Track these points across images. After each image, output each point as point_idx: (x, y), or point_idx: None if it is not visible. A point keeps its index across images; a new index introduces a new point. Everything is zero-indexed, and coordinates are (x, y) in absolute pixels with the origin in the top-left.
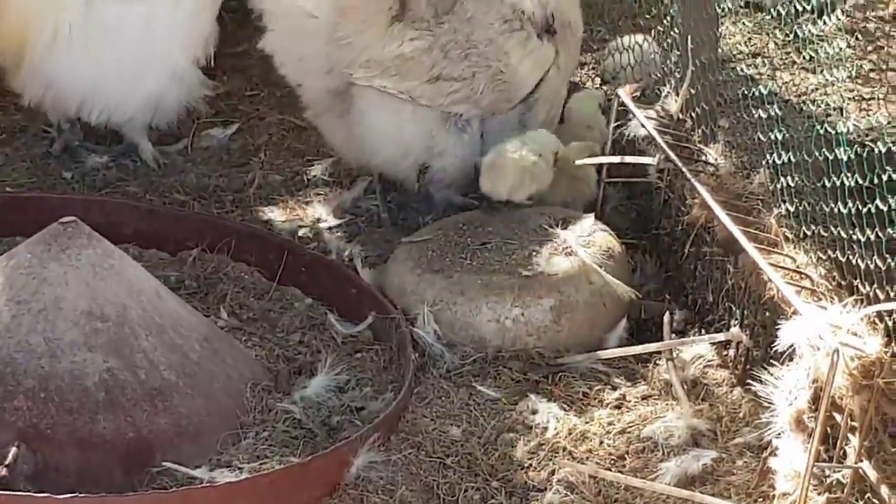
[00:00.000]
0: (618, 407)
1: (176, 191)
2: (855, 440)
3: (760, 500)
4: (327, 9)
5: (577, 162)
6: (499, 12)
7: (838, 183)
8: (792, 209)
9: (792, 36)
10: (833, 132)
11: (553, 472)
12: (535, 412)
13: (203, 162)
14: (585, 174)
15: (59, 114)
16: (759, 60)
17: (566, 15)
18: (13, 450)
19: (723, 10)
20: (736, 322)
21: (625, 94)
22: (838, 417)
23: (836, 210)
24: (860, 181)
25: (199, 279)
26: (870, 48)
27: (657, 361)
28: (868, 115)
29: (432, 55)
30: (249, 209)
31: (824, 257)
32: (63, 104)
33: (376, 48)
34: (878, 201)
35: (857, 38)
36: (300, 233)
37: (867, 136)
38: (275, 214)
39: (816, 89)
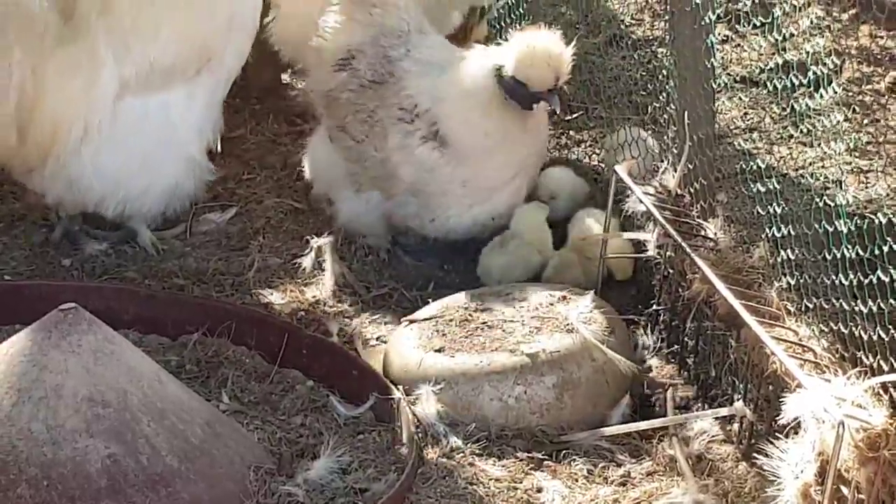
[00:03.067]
0: (623, 484)
1: (175, 275)
2: None
3: None
4: None
5: (579, 237)
6: (400, 100)
7: (839, 255)
8: (793, 282)
9: (788, 110)
10: (832, 204)
11: None
12: (539, 490)
13: (202, 246)
14: (594, 254)
15: (77, 209)
16: (755, 135)
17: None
18: None
19: (718, 85)
20: (739, 396)
21: (622, 170)
22: (845, 490)
23: (837, 282)
24: (861, 253)
25: (200, 363)
26: (866, 121)
27: (661, 437)
28: (867, 188)
29: (350, 106)
30: (249, 292)
31: (827, 330)
32: (84, 201)
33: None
34: (879, 272)
35: (853, 111)
36: (300, 315)
37: (867, 207)
38: (274, 297)
39: (814, 163)
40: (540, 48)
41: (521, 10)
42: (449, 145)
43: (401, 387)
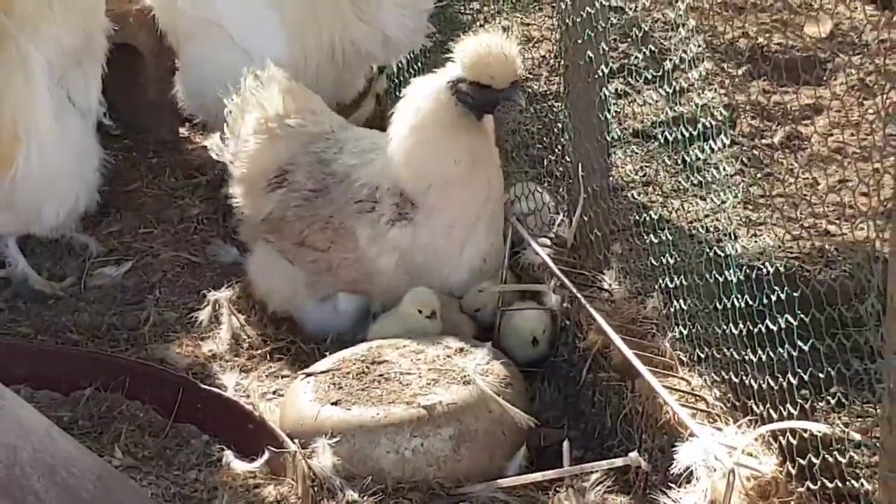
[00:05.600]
0: None
1: (69, 330)
2: None
3: None
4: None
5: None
6: (354, 194)
7: (729, 305)
8: (685, 332)
9: (681, 162)
10: (723, 255)
11: None
12: None
13: (97, 301)
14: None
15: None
16: (650, 188)
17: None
18: None
19: (613, 138)
20: (634, 446)
21: (518, 222)
22: None
23: (728, 332)
24: (750, 302)
25: (93, 418)
26: (759, 174)
27: (557, 489)
28: (757, 239)
29: (302, 221)
30: (145, 347)
31: (718, 379)
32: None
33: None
34: (767, 321)
35: (746, 165)
36: (196, 369)
37: (758, 259)
38: (170, 351)
39: (707, 215)
40: (494, 46)
41: (419, 63)
42: (420, 202)
43: (297, 440)
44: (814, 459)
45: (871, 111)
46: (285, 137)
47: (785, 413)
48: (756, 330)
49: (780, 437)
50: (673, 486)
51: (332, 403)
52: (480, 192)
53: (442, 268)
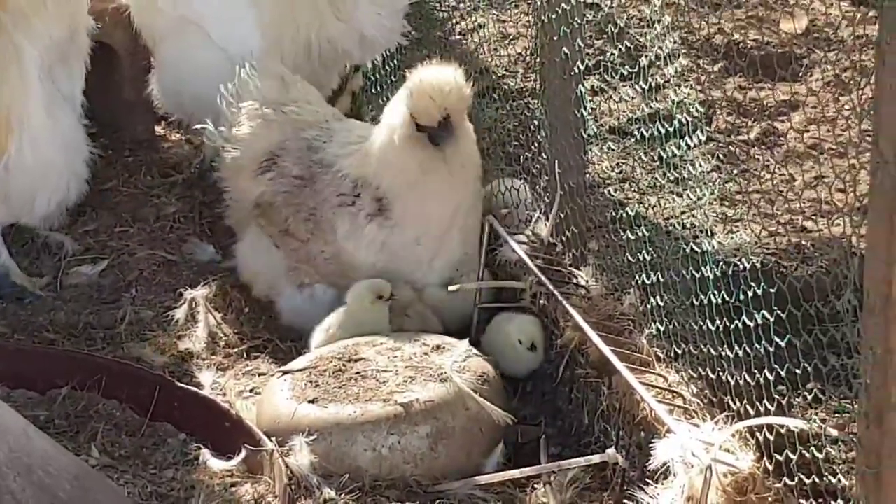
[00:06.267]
0: None
1: (45, 329)
2: None
3: None
4: None
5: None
6: (337, 186)
7: (706, 301)
8: (662, 328)
9: (657, 159)
10: (699, 251)
11: None
12: None
13: (73, 300)
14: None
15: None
16: (626, 185)
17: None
18: None
19: (590, 135)
20: (612, 443)
21: (495, 219)
22: None
23: (705, 328)
24: (727, 298)
25: (70, 417)
26: (735, 171)
27: (535, 486)
28: (733, 236)
29: (288, 208)
30: (121, 346)
31: (695, 375)
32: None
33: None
34: (744, 317)
35: (722, 161)
36: (172, 368)
37: (734, 255)
38: (146, 350)
39: (684, 211)
40: (426, 82)
41: (394, 62)
42: (391, 205)
43: (274, 439)
44: (791, 455)
45: (846, 107)
46: (279, 122)
47: (762, 409)
48: (733, 326)
49: (758, 433)
50: (650, 482)
51: (309, 401)
52: (448, 205)
53: (413, 274)
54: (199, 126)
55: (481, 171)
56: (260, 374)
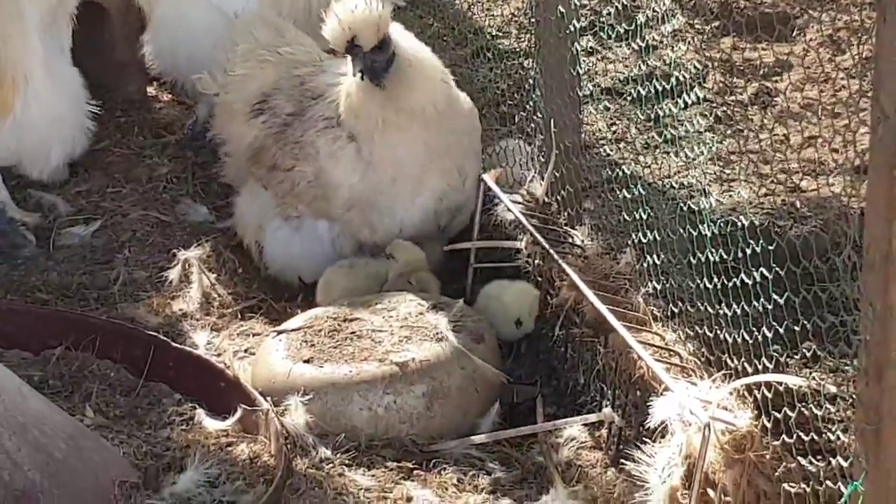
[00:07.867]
0: (493, 492)
1: (38, 290)
2: None
3: None
4: None
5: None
6: (324, 111)
7: (703, 259)
8: (659, 287)
9: (653, 118)
10: (696, 209)
11: None
12: (410, 500)
13: (66, 260)
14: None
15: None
16: (622, 145)
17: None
18: None
19: (585, 95)
20: (608, 402)
21: (490, 178)
22: (712, 493)
23: (701, 286)
24: (724, 256)
25: (64, 378)
26: (730, 131)
27: (531, 445)
28: (731, 194)
29: (276, 145)
30: (115, 306)
31: (692, 334)
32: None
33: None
34: (742, 275)
35: (717, 121)
36: (167, 328)
37: (731, 213)
38: (140, 311)
39: (679, 171)
40: (337, 6)
41: None
42: (362, 147)
43: (269, 398)
44: (789, 413)
45: (841, 67)
46: (274, 63)
47: (759, 367)
48: (730, 284)
49: (756, 391)
50: (647, 441)
51: (305, 361)
52: (416, 149)
53: (392, 210)
54: (196, 76)
55: (464, 109)
56: (254, 335)
